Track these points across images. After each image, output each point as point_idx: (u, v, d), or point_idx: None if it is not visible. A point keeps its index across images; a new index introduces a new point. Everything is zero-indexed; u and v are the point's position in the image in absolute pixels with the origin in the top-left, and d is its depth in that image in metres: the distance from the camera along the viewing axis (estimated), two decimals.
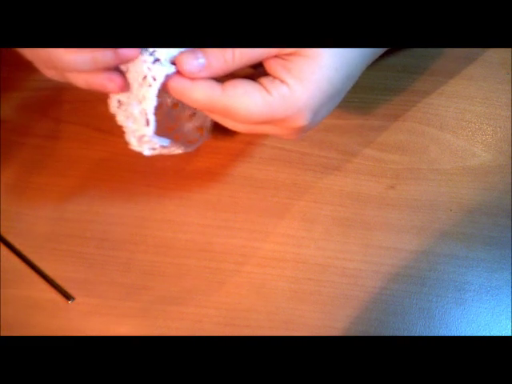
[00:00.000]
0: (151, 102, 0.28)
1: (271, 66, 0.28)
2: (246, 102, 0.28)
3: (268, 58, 0.28)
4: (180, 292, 0.36)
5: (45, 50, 0.27)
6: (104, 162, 0.40)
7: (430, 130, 0.41)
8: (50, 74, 0.30)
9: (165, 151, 0.32)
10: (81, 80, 0.29)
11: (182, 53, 0.27)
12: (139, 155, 0.40)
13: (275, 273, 0.37)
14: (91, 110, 0.41)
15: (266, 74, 0.29)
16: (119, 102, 0.30)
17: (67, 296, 0.36)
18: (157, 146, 0.30)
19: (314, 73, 0.28)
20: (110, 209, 0.38)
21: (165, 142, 0.30)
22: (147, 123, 0.28)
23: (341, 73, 0.29)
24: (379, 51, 0.33)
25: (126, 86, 0.29)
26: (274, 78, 0.28)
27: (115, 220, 0.38)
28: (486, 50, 0.44)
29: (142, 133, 0.29)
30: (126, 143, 0.41)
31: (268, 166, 0.40)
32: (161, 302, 0.36)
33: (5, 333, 0.35)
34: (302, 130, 0.30)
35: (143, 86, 0.27)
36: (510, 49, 0.43)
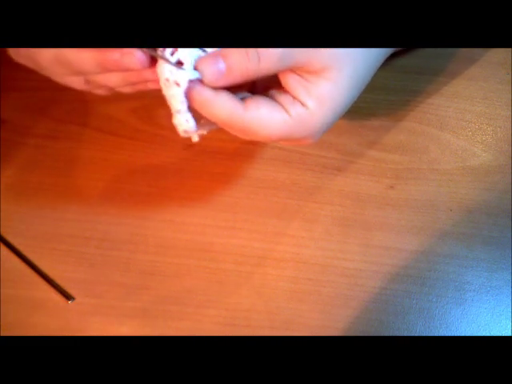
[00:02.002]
0: (183, 104, 0.27)
1: (291, 84, 0.28)
2: (267, 124, 0.28)
3: (285, 73, 0.28)
4: (180, 292, 0.36)
5: (64, 56, 0.27)
6: (104, 161, 0.40)
7: (430, 130, 0.41)
8: (70, 81, 0.30)
9: (212, 129, 0.31)
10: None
11: (201, 58, 0.26)
12: (139, 155, 0.40)
13: (275, 273, 0.37)
14: (91, 110, 0.41)
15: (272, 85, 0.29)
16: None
17: (67, 296, 0.36)
18: (203, 132, 0.30)
19: (334, 99, 0.28)
20: (110, 209, 0.38)
21: (210, 127, 0.30)
22: (187, 121, 0.28)
23: (354, 93, 0.30)
24: (383, 61, 0.33)
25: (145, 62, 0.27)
26: (294, 98, 0.28)
27: (115, 220, 0.38)
28: (486, 50, 0.44)
29: (184, 128, 0.29)
30: (125, 143, 0.41)
31: (268, 165, 0.40)
32: (161, 302, 0.36)
33: (5, 333, 0.35)
34: (309, 144, 0.31)
35: (169, 86, 0.27)
36: (509, 49, 0.43)
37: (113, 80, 0.29)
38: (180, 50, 0.26)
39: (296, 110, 0.28)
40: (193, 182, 0.39)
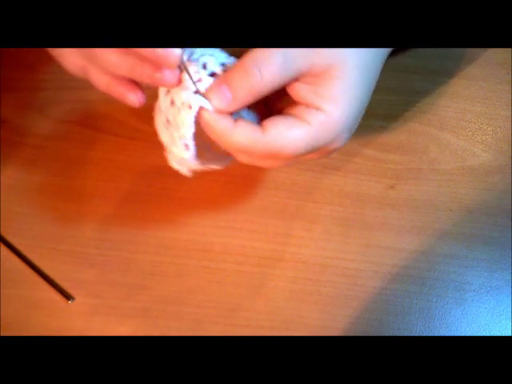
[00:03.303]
0: (190, 129, 0.27)
1: (300, 94, 0.28)
2: (289, 139, 0.27)
3: (293, 85, 0.28)
4: (180, 292, 0.36)
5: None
6: (104, 162, 0.40)
7: (430, 130, 0.41)
8: (73, 65, 0.30)
9: (205, 168, 0.31)
10: (103, 82, 0.29)
11: (208, 88, 0.27)
12: (139, 155, 0.40)
13: (275, 273, 0.37)
14: (91, 110, 0.41)
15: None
16: (168, 121, 0.29)
17: (67, 296, 0.36)
18: (196, 167, 0.30)
19: (345, 93, 0.28)
20: (110, 209, 0.38)
21: (204, 165, 0.30)
22: (186, 148, 0.28)
23: (365, 86, 0.29)
24: (387, 55, 0.33)
25: (144, 103, 0.29)
26: (308, 106, 0.28)
27: (115, 220, 0.38)
28: (486, 50, 0.44)
29: (181, 156, 0.29)
30: (125, 143, 0.41)
31: None
32: (161, 302, 0.36)
33: (5, 333, 0.35)
34: (336, 150, 0.30)
35: (181, 110, 0.27)
36: (509, 49, 0.43)
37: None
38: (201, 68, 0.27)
39: (313, 116, 0.27)
40: (193, 181, 0.39)
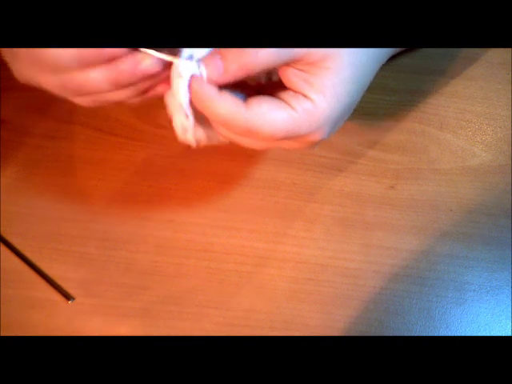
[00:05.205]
0: (185, 96, 0.27)
1: (291, 80, 0.28)
2: (270, 120, 0.27)
3: (286, 69, 0.28)
4: (180, 292, 0.36)
5: (70, 80, 0.27)
6: (104, 161, 0.40)
7: (430, 130, 0.41)
8: (79, 101, 0.29)
9: (206, 140, 0.31)
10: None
11: (202, 58, 0.27)
12: (139, 155, 0.40)
13: (275, 273, 0.37)
14: (91, 110, 0.41)
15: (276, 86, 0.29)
16: (171, 90, 0.29)
17: (67, 296, 0.36)
18: (201, 137, 0.30)
19: (336, 86, 0.27)
20: (110, 209, 0.38)
21: (207, 132, 0.30)
22: (186, 116, 0.28)
23: (358, 85, 0.29)
24: (386, 58, 0.33)
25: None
26: (295, 92, 0.28)
27: (115, 220, 0.38)
28: (486, 50, 0.44)
29: (183, 125, 0.29)
30: (125, 143, 0.41)
31: (268, 165, 0.40)
32: (161, 302, 0.36)
33: (5, 333, 0.35)
34: (318, 143, 0.30)
35: (175, 78, 0.27)
36: (509, 49, 0.43)
37: (124, 94, 0.28)
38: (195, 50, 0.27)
39: (299, 103, 0.27)
40: (193, 181, 0.39)
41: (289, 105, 0.27)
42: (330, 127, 0.29)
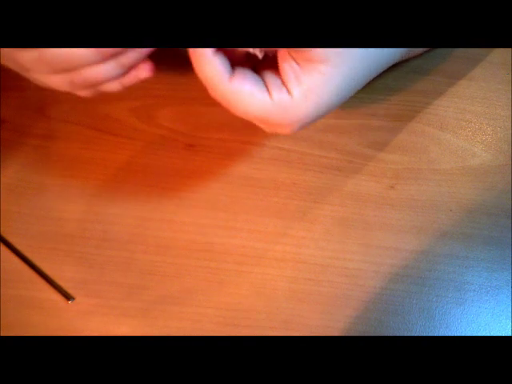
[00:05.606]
0: None
1: (284, 68, 0.27)
2: (246, 101, 0.27)
3: (284, 55, 0.27)
4: (180, 292, 0.36)
5: (49, 51, 0.26)
6: (104, 162, 0.40)
7: (430, 130, 0.41)
8: (53, 81, 0.29)
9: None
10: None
11: None
12: (139, 155, 0.40)
13: (275, 273, 0.37)
14: (91, 110, 0.41)
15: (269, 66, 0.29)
16: None
17: (67, 296, 0.36)
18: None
19: (323, 94, 0.28)
20: (110, 209, 0.38)
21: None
22: None
23: (345, 93, 0.29)
24: (385, 67, 0.33)
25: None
26: (282, 83, 0.28)
27: (115, 220, 0.38)
28: (486, 50, 0.44)
29: None
30: (125, 143, 0.41)
31: (268, 165, 0.40)
32: (161, 302, 0.36)
33: (5, 333, 0.35)
34: (286, 133, 0.30)
35: None
36: (509, 49, 0.43)
37: (104, 70, 0.28)
38: None
39: (280, 95, 0.27)
40: (193, 181, 0.39)
41: (269, 92, 0.28)
42: (300, 126, 0.29)
